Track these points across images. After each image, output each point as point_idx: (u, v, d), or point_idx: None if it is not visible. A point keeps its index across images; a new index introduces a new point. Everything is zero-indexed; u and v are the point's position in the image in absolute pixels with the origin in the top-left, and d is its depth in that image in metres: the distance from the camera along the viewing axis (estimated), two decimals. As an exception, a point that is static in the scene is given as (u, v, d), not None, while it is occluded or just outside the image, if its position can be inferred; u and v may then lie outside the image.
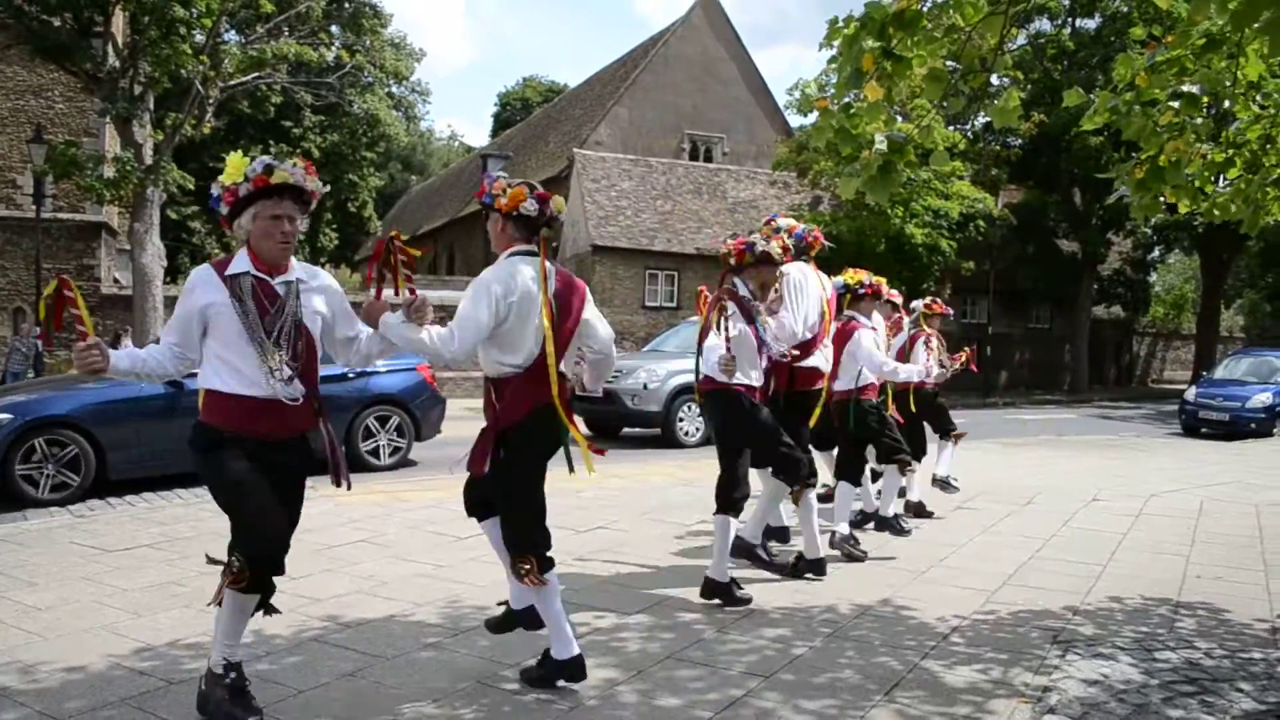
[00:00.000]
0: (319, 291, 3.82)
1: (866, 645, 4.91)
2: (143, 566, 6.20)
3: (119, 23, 19.74)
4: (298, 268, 3.77)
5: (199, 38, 18.96)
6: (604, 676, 4.37)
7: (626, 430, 15.36)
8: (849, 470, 7.11)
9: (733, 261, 5.62)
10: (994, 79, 24.80)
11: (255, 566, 3.66)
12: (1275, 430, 18.86)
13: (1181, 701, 4.17)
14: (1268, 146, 5.52)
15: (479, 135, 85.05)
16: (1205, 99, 5.03)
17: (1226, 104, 5.45)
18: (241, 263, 3.65)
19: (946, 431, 8.83)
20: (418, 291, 3.93)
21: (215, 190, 3.65)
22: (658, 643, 4.88)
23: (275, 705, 3.94)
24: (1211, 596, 6.02)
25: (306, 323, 3.72)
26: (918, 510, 8.33)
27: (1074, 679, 4.43)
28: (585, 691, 4.17)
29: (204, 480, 3.74)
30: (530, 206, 4.16)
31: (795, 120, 34.34)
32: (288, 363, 3.62)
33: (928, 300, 8.72)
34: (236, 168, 3.60)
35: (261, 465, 3.63)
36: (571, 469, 4.38)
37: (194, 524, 7.54)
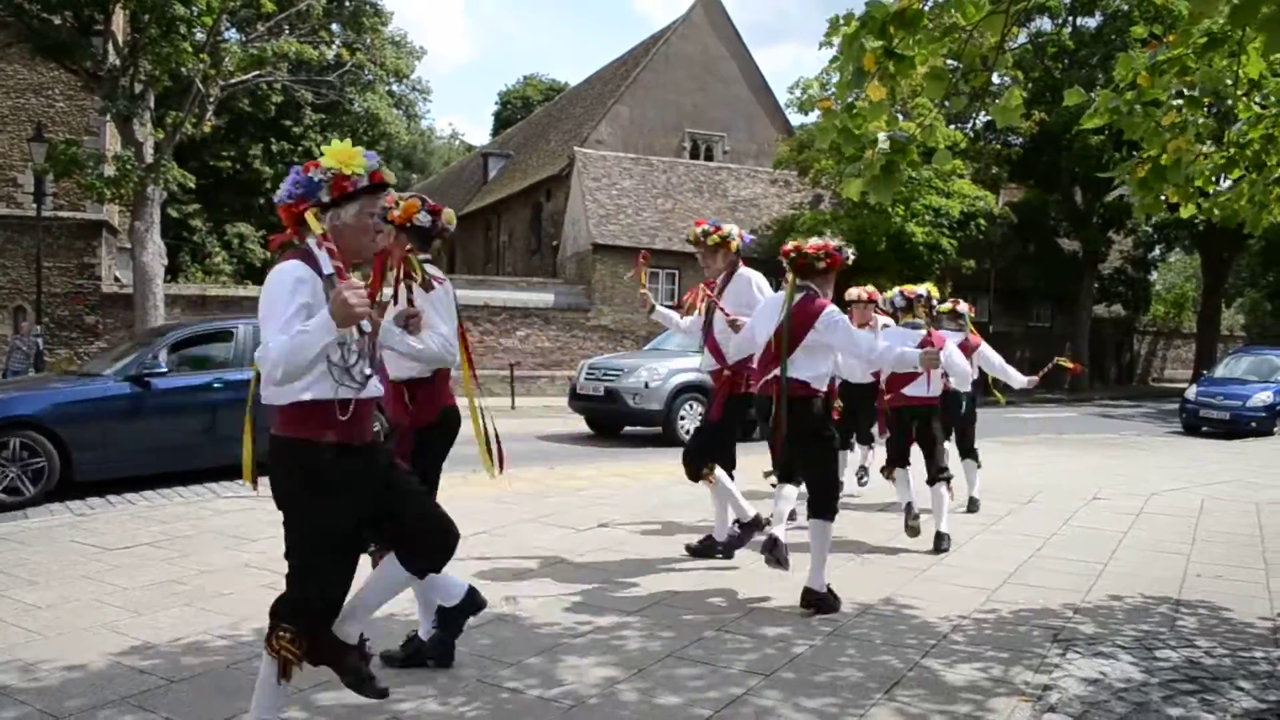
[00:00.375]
0: None
1: (867, 643, 4.91)
2: (143, 565, 6.20)
3: (119, 21, 19.71)
4: None
5: (199, 36, 18.94)
6: (604, 675, 4.37)
7: (628, 429, 15.37)
8: (902, 459, 7.37)
9: (822, 265, 5.60)
10: (995, 78, 24.81)
11: (312, 625, 3.35)
12: (1276, 429, 18.86)
13: (1182, 700, 4.17)
14: (1270, 147, 5.52)
15: (480, 134, 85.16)
16: (1207, 99, 5.04)
17: (1229, 103, 5.45)
18: (327, 263, 3.18)
19: (971, 451, 8.96)
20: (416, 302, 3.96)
21: (318, 175, 3.23)
22: (658, 641, 4.88)
23: (275, 703, 3.94)
24: (1212, 595, 6.02)
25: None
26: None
27: (1074, 677, 4.44)
28: (586, 690, 4.18)
29: (290, 504, 3.33)
30: (423, 218, 4.32)
31: (796, 119, 34.32)
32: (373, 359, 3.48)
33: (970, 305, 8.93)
34: (350, 156, 3.25)
35: (368, 483, 3.37)
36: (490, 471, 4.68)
37: (195, 522, 7.55)
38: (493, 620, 5.13)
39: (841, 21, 4.09)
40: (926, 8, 4.02)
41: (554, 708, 3.99)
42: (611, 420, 15.28)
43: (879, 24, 3.93)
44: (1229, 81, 4.95)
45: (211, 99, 19.87)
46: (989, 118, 28.35)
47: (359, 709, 3.94)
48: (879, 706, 4.08)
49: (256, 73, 20.98)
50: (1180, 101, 4.96)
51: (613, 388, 14.52)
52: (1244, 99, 5.31)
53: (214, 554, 6.49)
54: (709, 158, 35.29)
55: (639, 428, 15.03)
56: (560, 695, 4.12)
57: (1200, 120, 5.14)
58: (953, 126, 28.05)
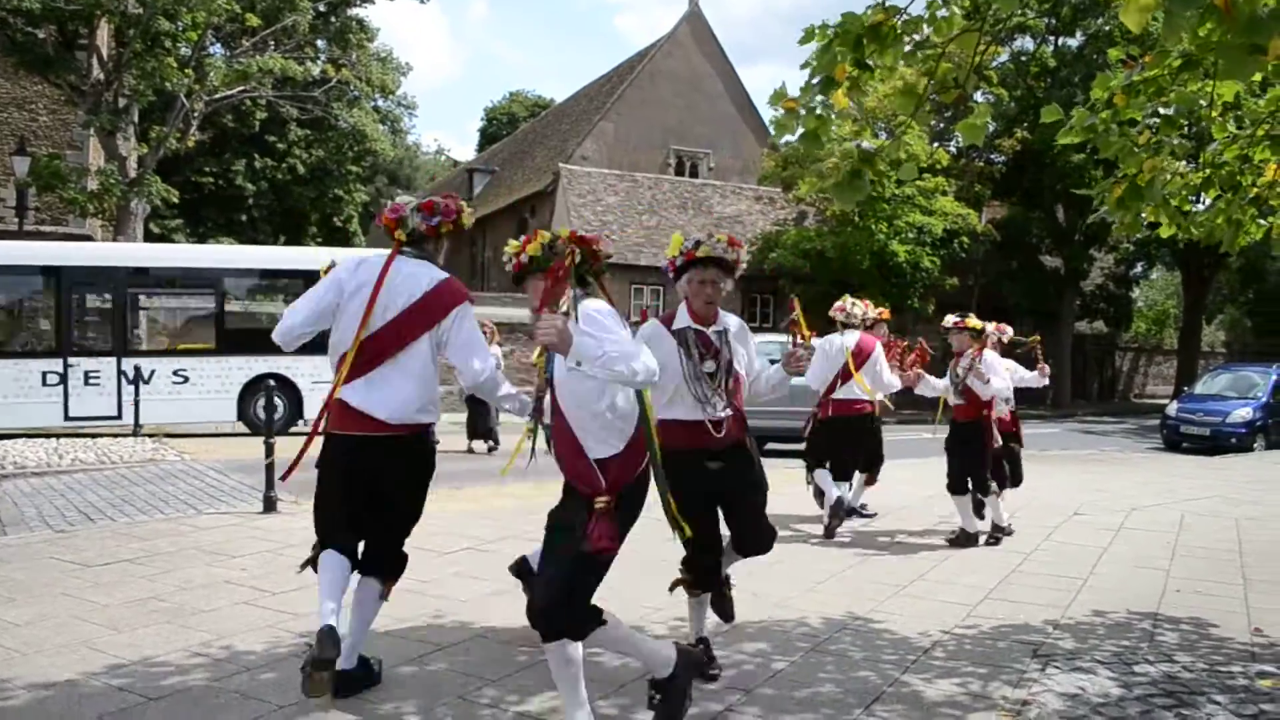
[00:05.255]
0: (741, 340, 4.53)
1: (846, 659, 4.92)
2: (123, 582, 6.16)
3: (104, 35, 19.72)
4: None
5: (184, 51, 18.96)
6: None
7: None
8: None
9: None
10: (979, 96, 25.00)
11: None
12: (1256, 445, 19.00)
13: (1158, 715, 4.19)
14: (1244, 167, 5.59)
15: (465, 150, 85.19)
16: (1182, 120, 5.10)
17: (1204, 124, 5.52)
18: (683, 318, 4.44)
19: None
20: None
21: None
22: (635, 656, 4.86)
23: (254, 721, 3.93)
24: (1191, 610, 6.06)
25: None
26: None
27: (1053, 692, 4.46)
28: (563, 705, 4.16)
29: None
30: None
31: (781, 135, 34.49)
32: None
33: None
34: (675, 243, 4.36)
35: None
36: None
37: (175, 539, 7.51)
38: (473, 637, 5.12)
39: (817, 30, 4.12)
40: (900, 21, 4.06)
41: (534, 724, 3.99)
42: None
43: (853, 37, 3.97)
44: (1203, 103, 5.01)
45: (196, 114, 19.89)
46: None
47: (338, 726, 3.94)
48: (858, 722, 4.09)
49: (241, 88, 21.02)
50: (1156, 121, 5.03)
51: None
52: (1219, 120, 5.38)
53: (195, 570, 6.46)
54: (694, 174, 35.43)
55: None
56: (541, 712, 4.12)
57: (1175, 140, 5.21)
58: (935, 145, 28.24)
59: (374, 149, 39.74)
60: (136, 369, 15.58)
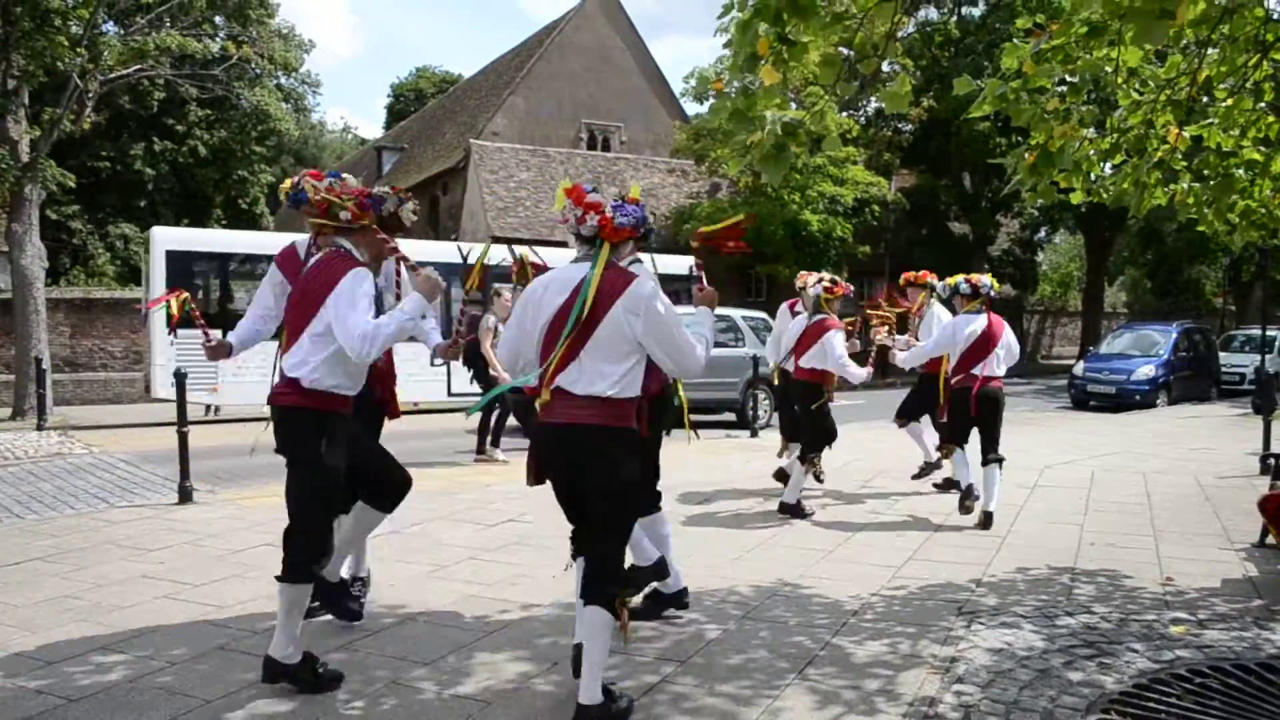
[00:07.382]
0: None
1: (778, 625, 4.98)
2: (35, 581, 5.95)
3: (-12, 14, 18.85)
4: None
5: (76, 29, 18.23)
6: (518, 670, 4.34)
7: None
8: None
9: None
10: (885, 65, 25.38)
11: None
12: (1159, 401, 19.68)
13: (1081, 664, 4.32)
14: (1149, 132, 5.75)
15: (372, 127, 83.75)
16: (1088, 87, 5.22)
17: (1109, 90, 5.66)
18: None
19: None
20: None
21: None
22: (569, 634, 4.86)
23: (183, 716, 3.83)
24: (1106, 563, 6.25)
25: None
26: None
27: (980, 648, 4.57)
28: (500, 686, 4.15)
29: None
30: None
31: (692, 108, 34.61)
32: None
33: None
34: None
35: None
36: None
37: (88, 534, 7.27)
38: (403, 621, 5.07)
39: (735, 4, 4.11)
40: None
41: (470, 704, 3.96)
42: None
43: (773, 11, 3.96)
44: (1109, 70, 5.13)
45: (90, 95, 19.16)
46: (880, 105, 28.96)
47: (270, 716, 3.85)
48: (792, 686, 4.14)
49: (138, 67, 20.28)
50: (1064, 89, 5.15)
51: None
52: (1123, 86, 5.52)
53: (110, 566, 6.27)
54: (606, 148, 35.31)
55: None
56: (476, 692, 4.09)
57: (1083, 107, 5.33)
58: (845, 114, 28.55)
59: (278, 128, 38.68)
60: None
